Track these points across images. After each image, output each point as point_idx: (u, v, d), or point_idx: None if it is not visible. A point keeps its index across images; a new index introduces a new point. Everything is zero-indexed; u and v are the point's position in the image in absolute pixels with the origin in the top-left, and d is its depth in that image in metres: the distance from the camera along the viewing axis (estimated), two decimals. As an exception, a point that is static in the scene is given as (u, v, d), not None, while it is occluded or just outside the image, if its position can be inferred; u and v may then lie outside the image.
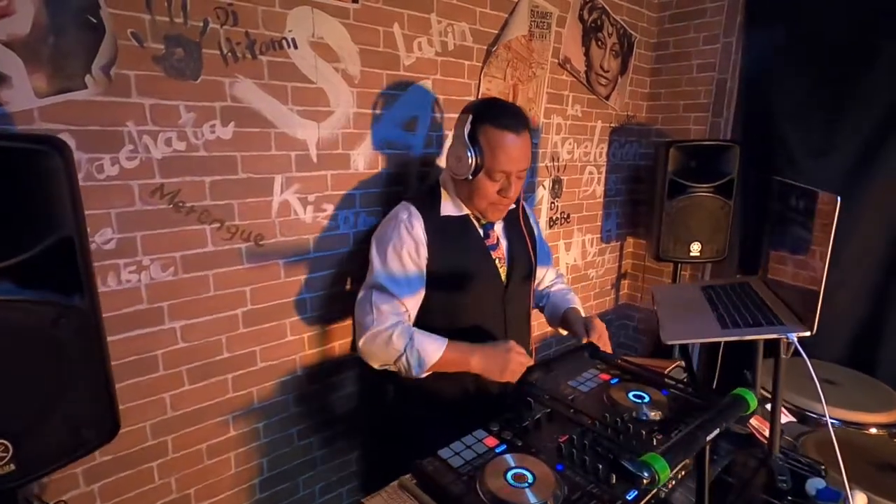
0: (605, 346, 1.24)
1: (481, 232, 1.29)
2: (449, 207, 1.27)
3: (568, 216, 2.29)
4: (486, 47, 1.73)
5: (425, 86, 1.59)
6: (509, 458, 1.02)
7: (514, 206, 1.33)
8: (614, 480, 0.96)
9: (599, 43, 2.15)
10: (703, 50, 2.30)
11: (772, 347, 1.14)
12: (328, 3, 1.33)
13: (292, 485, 1.56)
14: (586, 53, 2.11)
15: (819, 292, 0.99)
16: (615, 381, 1.16)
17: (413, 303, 1.23)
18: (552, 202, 2.19)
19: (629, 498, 0.80)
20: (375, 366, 1.22)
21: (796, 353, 1.08)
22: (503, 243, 1.34)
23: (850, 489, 1.02)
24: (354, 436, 1.67)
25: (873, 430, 1.63)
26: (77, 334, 0.78)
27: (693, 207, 2.12)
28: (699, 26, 2.30)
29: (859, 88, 1.87)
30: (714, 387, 1.52)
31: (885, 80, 1.82)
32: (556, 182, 2.18)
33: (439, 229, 1.23)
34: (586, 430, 1.20)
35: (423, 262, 1.22)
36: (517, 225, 1.36)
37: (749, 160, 2.08)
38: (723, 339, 1.07)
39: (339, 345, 1.57)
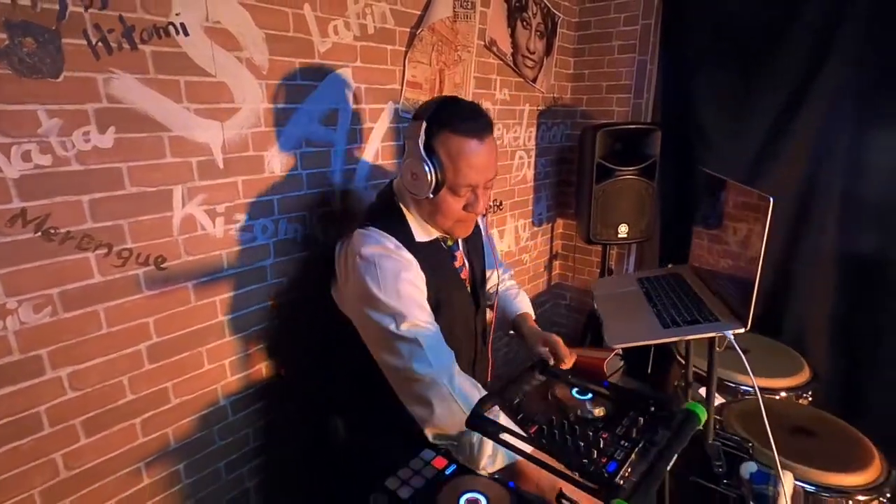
0: (566, 363, 1.18)
1: (449, 256, 1.18)
2: (419, 232, 1.12)
3: (500, 203, 2.24)
4: (409, 30, 1.59)
5: (344, 74, 1.43)
6: (461, 482, 0.99)
7: None
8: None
9: (525, 24, 2.08)
10: (623, 31, 2.30)
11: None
12: (223, -19, 1.13)
13: (224, 522, 1.42)
14: (512, 35, 2.03)
15: (753, 290, 1.01)
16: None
17: None
18: (484, 190, 2.13)
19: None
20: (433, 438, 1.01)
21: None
22: (467, 262, 1.24)
23: (781, 471, 1.08)
24: (291, 463, 1.55)
25: (783, 394, 1.77)
26: None
27: (620, 190, 2.15)
28: (620, 6, 2.29)
29: (767, 72, 1.96)
30: (649, 370, 1.57)
31: (790, 62, 1.91)
32: (488, 170, 2.11)
33: (420, 259, 1.07)
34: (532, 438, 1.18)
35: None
36: (476, 238, 1.28)
37: (668, 142, 2.13)
38: (665, 341, 1.08)
39: (266, 366, 1.43)
